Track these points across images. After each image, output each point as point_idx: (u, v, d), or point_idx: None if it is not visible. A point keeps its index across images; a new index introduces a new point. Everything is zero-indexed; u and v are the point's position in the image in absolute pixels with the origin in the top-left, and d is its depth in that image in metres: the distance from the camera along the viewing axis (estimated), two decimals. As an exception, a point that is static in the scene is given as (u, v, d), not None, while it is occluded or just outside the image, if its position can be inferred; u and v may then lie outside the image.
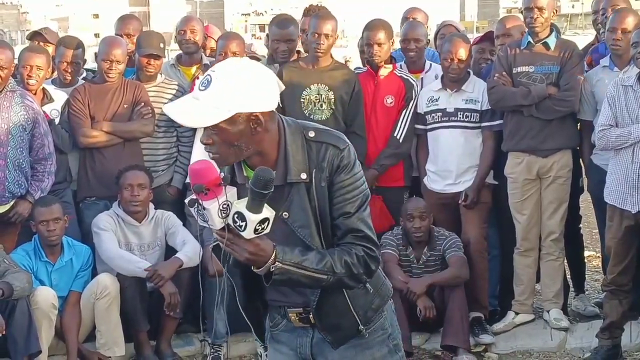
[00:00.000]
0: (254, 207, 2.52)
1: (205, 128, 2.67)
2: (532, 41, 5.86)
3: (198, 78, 6.12)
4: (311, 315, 2.89)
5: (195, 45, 6.53)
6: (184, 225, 5.92)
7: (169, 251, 5.83)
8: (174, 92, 6.18)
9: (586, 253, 7.14)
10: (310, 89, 5.93)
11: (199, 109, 2.62)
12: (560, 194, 5.93)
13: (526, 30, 5.97)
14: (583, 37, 12.22)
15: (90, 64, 7.15)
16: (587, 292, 6.65)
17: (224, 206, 2.54)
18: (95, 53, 6.21)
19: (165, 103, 6.08)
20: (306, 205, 2.75)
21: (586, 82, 5.83)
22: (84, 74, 6.44)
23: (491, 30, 6.80)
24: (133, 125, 5.96)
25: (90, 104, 5.91)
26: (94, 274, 5.67)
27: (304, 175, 2.74)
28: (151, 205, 5.86)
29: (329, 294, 2.82)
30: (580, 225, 6.60)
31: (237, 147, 2.68)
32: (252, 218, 2.51)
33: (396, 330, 3.04)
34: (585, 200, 6.76)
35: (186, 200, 2.62)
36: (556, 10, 6.02)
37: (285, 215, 2.75)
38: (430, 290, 5.70)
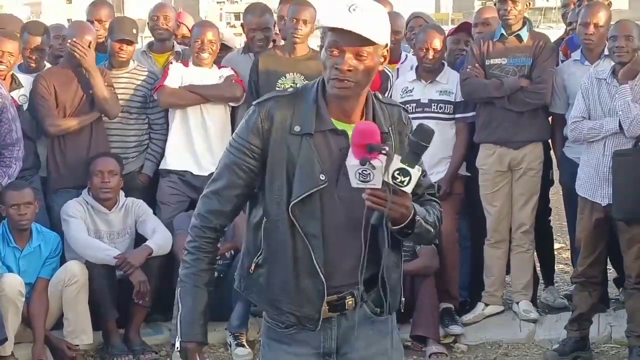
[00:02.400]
0: (412, 162, 2.57)
1: (352, 51, 2.62)
2: (505, 33, 5.88)
3: (172, 63, 6.11)
4: (355, 294, 2.77)
5: (168, 32, 6.48)
6: (154, 213, 5.89)
7: (139, 239, 5.79)
8: (145, 78, 6.13)
9: (556, 245, 7.18)
10: (285, 77, 5.91)
11: (360, 21, 2.59)
12: (531, 186, 5.96)
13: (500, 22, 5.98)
14: (557, 31, 12.25)
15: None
16: (556, 284, 6.69)
17: (387, 164, 2.56)
18: (64, 35, 6.14)
19: (137, 89, 6.08)
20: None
21: (557, 76, 5.86)
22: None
23: (466, 22, 6.82)
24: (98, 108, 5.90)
25: (56, 90, 5.83)
26: (63, 261, 5.63)
27: (386, 128, 2.76)
28: (121, 193, 5.82)
29: (396, 261, 2.84)
30: (550, 217, 6.64)
31: (367, 79, 2.69)
32: (416, 173, 2.56)
33: None
34: (556, 193, 6.79)
35: (352, 161, 2.55)
36: (529, 3, 6.03)
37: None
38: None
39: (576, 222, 5.57)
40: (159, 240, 5.60)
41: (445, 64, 6.08)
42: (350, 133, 2.63)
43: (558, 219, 7.59)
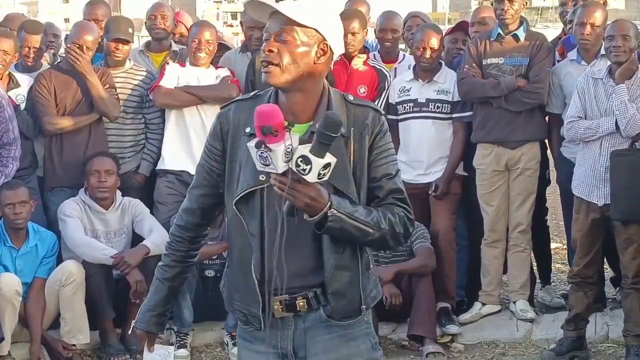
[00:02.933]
0: (319, 152, 2.50)
1: (274, 34, 2.68)
2: (502, 33, 5.89)
3: (168, 63, 6.11)
4: (310, 296, 2.75)
5: (165, 32, 6.48)
6: (151, 212, 5.89)
7: (136, 239, 5.78)
8: (142, 78, 6.13)
9: (553, 245, 7.18)
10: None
11: (289, 4, 2.69)
12: (528, 185, 5.96)
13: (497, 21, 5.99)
14: (554, 30, 12.26)
15: (61, 49, 7.07)
16: (553, 284, 6.70)
17: (289, 149, 2.51)
18: (66, 35, 6.15)
19: (133, 89, 6.08)
20: (344, 159, 2.70)
21: (554, 75, 5.86)
22: (59, 60, 6.38)
23: (464, 21, 6.82)
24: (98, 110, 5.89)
25: (56, 90, 5.84)
26: (60, 260, 5.62)
27: (343, 130, 2.68)
28: (118, 192, 5.81)
29: (344, 264, 2.76)
30: (547, 217, 6.64)
31: (296, 65, 2.67)
32: (318, 162, 2.49)
33: (375, 329, 2.99)
34: (553, 193, 6.80)
35: (251, 143, 2.55)
36: (526, 3, 6.04)
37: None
38: (398, 280, 5.71)
39: (572, 222, 5.58)
40: (156, 239, 5.60)
41: (443, 63, 6.08)
42: (297, 133, 2.63)
43: (555, 219, 7.60)
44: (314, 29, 2.69)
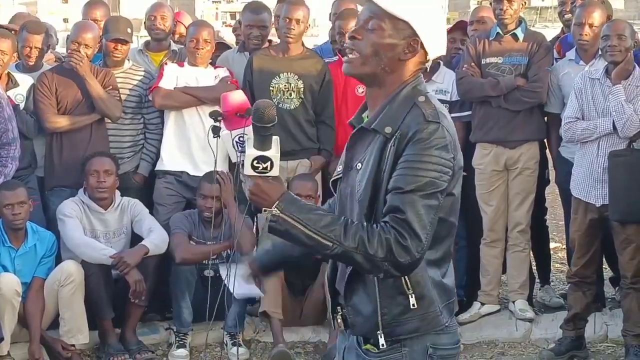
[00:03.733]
0: (258, 143, 2.40)
1: (362, 21, 2.54)
2: (500, 32, 5.89)
3: (166, 64, 6.11)
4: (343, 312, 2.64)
5: (165, 32, 6.49)
6: (150, 213, 5.88)
7: (136, 239, 5.78)
8: (141, 78, 6.13)
9: (552, 245, 7.18)
10: (279, 77, 5.92)
11: None
12: (527, 185, 5.96)
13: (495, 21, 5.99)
14: (552, 30, 12.27)
15: (60, 48, 7.08)
16: (552, 284, 6.70)
17: (240, 139, 2.45)
18: (67, 36, 6.16)
19: (132, 89, 6.08)
20: (375, 161, 2.49)
21: (552, 75, 5.87)
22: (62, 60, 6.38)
23: (462, 20, 6.83)
24: (100, 111, 5.89)
25: (57, 90, 5.85)
26: (59, 261, 5.62)
27: (388, 129, 2.49)
28: (117, 193, 5.81)
29: (361, 275, 2.54)
30: (546, 217, 6.64)
31: (378, 58, 2.51)
32: (249, 152, 2.40)
33: None
34: (552, 192, 6.80)
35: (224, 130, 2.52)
36: (525, 3, 6.04)
37: (359, 166, 2.56)
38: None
39: (570, 222, 5.58)
40: (155, 239, 5.60)
41: (442, 63, 6.08)
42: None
43: (554, 219, 7.61)
44: (406, 22, 2.51)
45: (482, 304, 6.09)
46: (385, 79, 2.55)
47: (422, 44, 2.53)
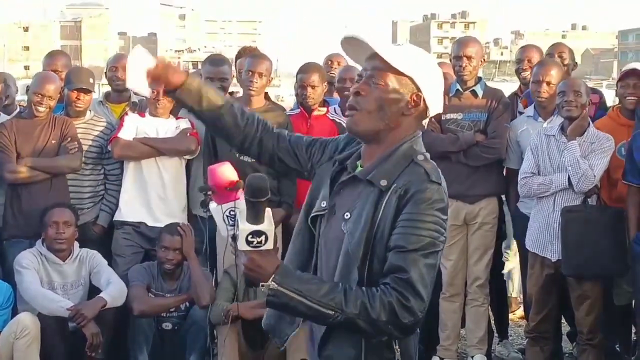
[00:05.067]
0: (251, 217, 2.38)
1: (367, 76, 2.57)
2: (460, 89, 5.96)
3: (127, 115, 6.10)
4: None
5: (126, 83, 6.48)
6: (109, 264, 5.84)
7: (94, 291, 5.72)
8: (102, 128, 6.12)
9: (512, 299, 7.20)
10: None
11: (388, 48, 2.55)
12: (486, 240, 6.00)
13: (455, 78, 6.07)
14: (511, 84, 12.47)
15: (20, 96, 7.05)
16: (511, 338, 6.72)
17: (231, 213, 2.42)
18: (27, 86, 6.14)
19: (94, 140, 6.06)
20: (368, 214, 2.49)
21: (511, 131, 5.95)
22: (17, 110, 6.36)
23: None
24: (59, 161, 5.86)
25: (17, 139, 5.82)
26: (15, 313, 5.54)
27: (383, 182, 2.51)
28: (76, 244, 5.76)
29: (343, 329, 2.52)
30: (504, 271, 6.68)
31: (383, 113, 2.54)
32: (243, 227, 2.37)
33: None
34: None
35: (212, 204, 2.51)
36: (484, 59, 6.13)
37: (347, 216, 2.55)
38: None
39: (527, 277, 5.62)
40: (113, 291, 5.55)
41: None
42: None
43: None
44: (409, 78, 2.56)
45: (441, 358, 6.09)
46: (387, 135, 2.59)
47: (424, 99, 2.58)
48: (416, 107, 2.57)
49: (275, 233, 2.45)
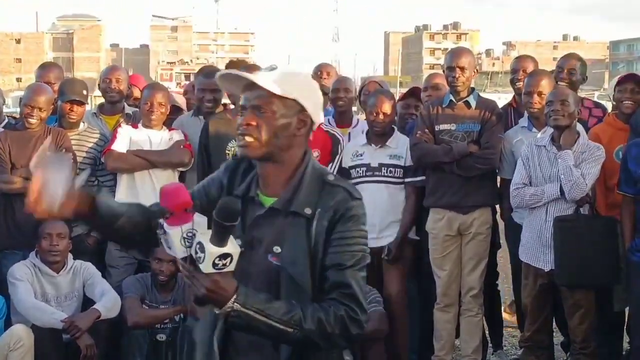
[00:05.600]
0: (217, 240, 2.37)
1: (252, 106, 2.61)
2: (453, 100, 5.97)
3: (120, 126, 6.11)
4: None
5: (119, 95, 6.51)
6: (103, 276, 5.83)
7: (87, 302, 5.72)
8: (96, 140, 6.13)
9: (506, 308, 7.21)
10: (235, 141, 5.92)
11: (266, 76, 2.61)
12: (480, 250, 6.00)
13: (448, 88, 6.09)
14: (503, 95, 12.53)
15: (12, 108, 7.05)
16: (505, 348, 6.72)
17: (189, 234, 2.41)
18: (20, 98, 6.14)
19: (87, 152, 6.06)
20: (303, 243, 2.57)
21: (505, 141, 5.96)
22: (5, 120, 6.35)
23: (416, 87, 6.93)
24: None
25: (11, 150, 5.81)
26: (9, 324, 5.53)
27: (308, 210, 2.59)
28: (69, 256, 5.76)
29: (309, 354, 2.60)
30: (498, 281, 6.69)
31: (276, 139, 2.60)
32: (211, 251, 2.36)
33: None
34: (504, 257, 6.84)
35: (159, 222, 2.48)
36: (477, 70, 6.15)
37: (277, 249, 2.59)
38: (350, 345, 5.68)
39: (521, 287, 5.63)
40: (107, 303, 5.55)
41: (396, 128, 6.16)
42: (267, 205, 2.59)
43: (507, 282, 7.64)
44: (293, 100, 2.62)
45: (436, 368, 6.09)
46: (284, 156, 2.65)
47: (310, 116, 2.66)
48: (305, 126, 2.66)
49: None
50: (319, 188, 2.63)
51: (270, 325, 2.47)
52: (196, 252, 2.39)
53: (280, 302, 2.50)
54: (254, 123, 2.61)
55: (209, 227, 2.42)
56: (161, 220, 2.47)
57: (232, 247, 2.40)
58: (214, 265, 2.38)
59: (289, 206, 2.61)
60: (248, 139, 2.61)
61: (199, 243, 2.38)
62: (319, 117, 2.71)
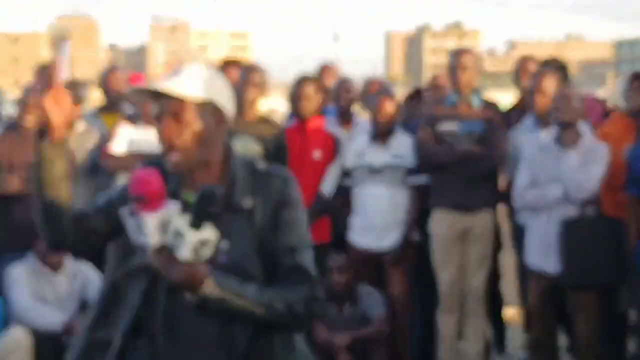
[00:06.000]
0: (196, 226, 2.35)
1: (168, 115, 2.54)
2: (456, 100, 5.94)
3: (120, 126, 6.07)
4: None
5: (119, 94, 6.47)
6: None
7: (87, 304, 5.67)
8: (95, 140, 6.08)
9: (510, 310, 7.17)
10: (237, 140, 5.90)
11: (170, 80, 2.57)
12: (484, 251, 5.96)
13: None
14: (506, 95, 12.48)
15: (9, 109, 7.03)
16: (509, 350, 6.67)
17: (164, 221, 2.37)
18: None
19: (87, 152, 6.02)
20: (248, 234, 2.58)
21: (511, 141, 5.92)
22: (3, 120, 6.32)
23: (420, 88, 6.90)
24: None
25: (8, 152, 5.77)
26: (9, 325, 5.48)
27: (248, 202, 2.60)
28: (68, 258, 5.71)
29: (264, 340, 2.59)
30: (501, 282, 6.64)
31: (199, 145, 2.56)
32: (191, 238, 2.35)
33: None
34: (507, 258, 6.79)
35: (124, 210, 2.44)
36: (480, 70, 6.12)
37: (225, 245, 2.55)
38: (353, 346, 5.65)
39: (527, 289, 5.60)
40: (106, 305, 5.49)
41: (398, 128, 6.12)
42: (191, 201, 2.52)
43: (509, 284, 7.59)
44: (206, 100, 2.58)
45: (439, 371, 6.04)
46: (207, 156, 2.62)
47: (223, 111, 2.63)
48: (222, 122, 2.63)
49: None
50: (253, 178, 2.65)
51: (244, 307, 2.49)
52: (174, 238, 2.36)
53: (250, 285, 2.52)
54: (174, 133, 2.55)
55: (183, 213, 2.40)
56: (126, 208, 2.43)
57: (211, 232, 2.39)
58: (194, 251, 2.37)
59: (228, 201, 2.60)
60: (175, 156, 2.57)
61: (177, 230, 2.36)
62: (231, 110, 2.67)
